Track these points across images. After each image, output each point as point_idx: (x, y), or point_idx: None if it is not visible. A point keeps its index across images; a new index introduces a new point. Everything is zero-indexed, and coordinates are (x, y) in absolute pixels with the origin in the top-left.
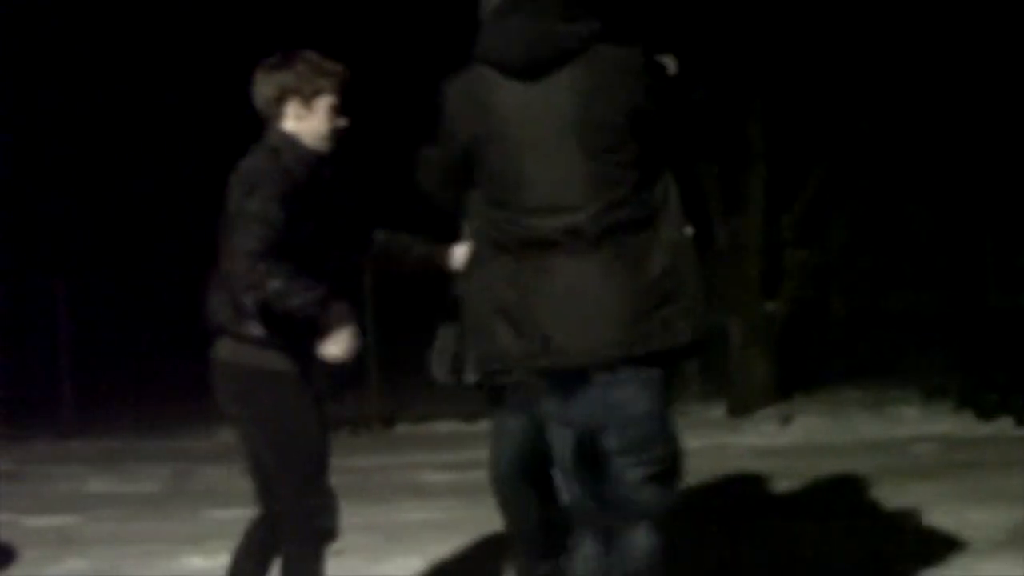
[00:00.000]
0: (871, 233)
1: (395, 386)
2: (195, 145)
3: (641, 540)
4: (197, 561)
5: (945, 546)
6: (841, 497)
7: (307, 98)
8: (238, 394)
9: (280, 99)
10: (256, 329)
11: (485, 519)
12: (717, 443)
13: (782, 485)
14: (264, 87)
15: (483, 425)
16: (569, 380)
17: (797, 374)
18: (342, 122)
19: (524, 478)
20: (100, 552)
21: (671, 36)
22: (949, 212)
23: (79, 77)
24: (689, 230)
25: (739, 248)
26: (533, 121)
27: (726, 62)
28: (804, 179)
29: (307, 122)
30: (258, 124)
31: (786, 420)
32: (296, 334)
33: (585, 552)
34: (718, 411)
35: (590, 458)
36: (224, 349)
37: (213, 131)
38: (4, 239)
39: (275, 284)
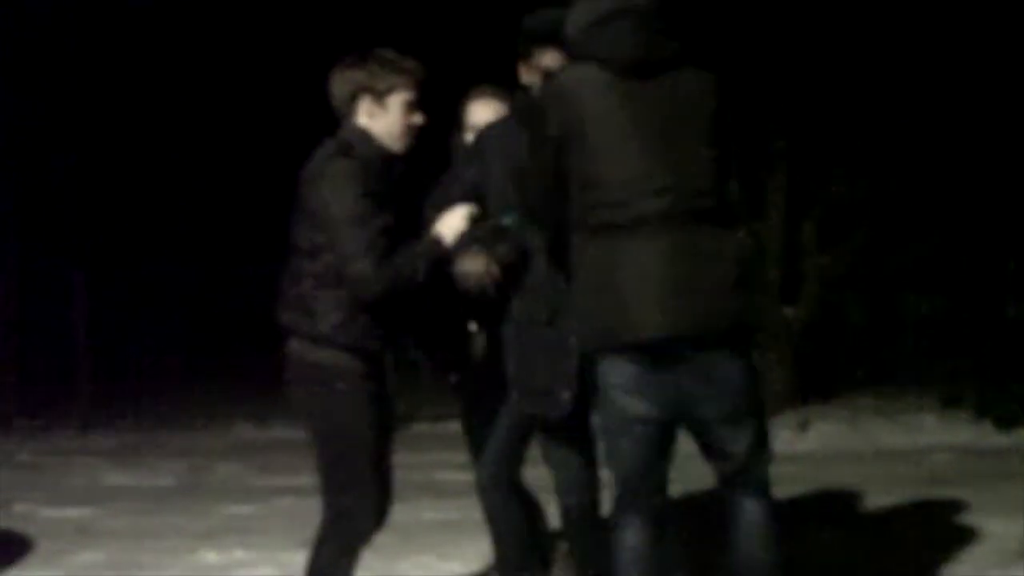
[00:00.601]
0: (891, 240)
1: (412, 385)
2: (215, 138)
3: (756, 509)
4: (212, 556)
5: (960, 556)
6: (857, 505)
7: (380, 95)
8: (298, 390)
9: (353, 97)
10: (324, 327)
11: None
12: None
13: (798, 491)
14: (338, 85)
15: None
16: (671, 355)
17: (815, 380)
18: (418, 119)
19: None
20: (116, 545)
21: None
22: (969, 220)
23: (102, 69)
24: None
25: (758, 253)
26: (637, 112)
27: (748, 68)
28: (824, 185)
29: (380, 120)
30: (280, 118)
31: (803, 426)
32: (370, 334)
33: (630, 542)
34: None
35: (668, 442)
36: (292, 346)
37: (233, 124)
38: (23, 231)
39: (387, 275)
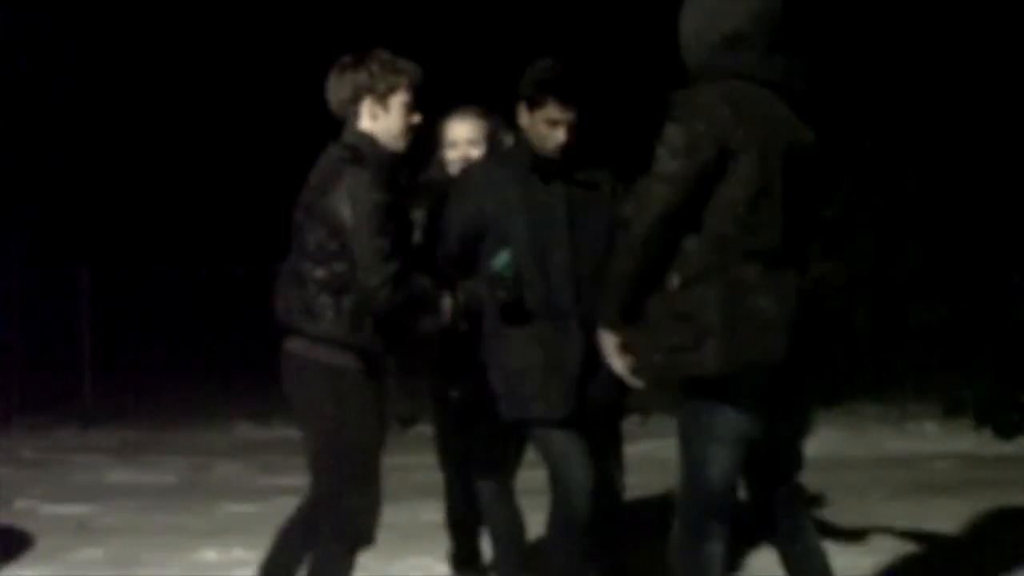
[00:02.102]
0: (894, 247)
1: (413, 386)
2: (221, 139)
3: (814, 532)
4: (211, 555)
5: (961, 563)
6: (860, 511)
7: (382, 96)
8: (300, 388)
9: (355, 99)
10: (328, 328)
11: None
12: None
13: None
14: (338, 88)
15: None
16: (775, 379)
17: (819, 387)
18: (416, 119)
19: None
20: (116, 542)
21: None
22: (972, 228)
23: (111, 70)
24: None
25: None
26: (798, 141)
27: None
28: (831, 191)
29: (382, 121)
30: (281, 119)
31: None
32: (370, 334)
33: (719, 550)
34: None
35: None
36: (294, 346)
37: (238, 124)
38: (28, 228)
39: (401, 294)
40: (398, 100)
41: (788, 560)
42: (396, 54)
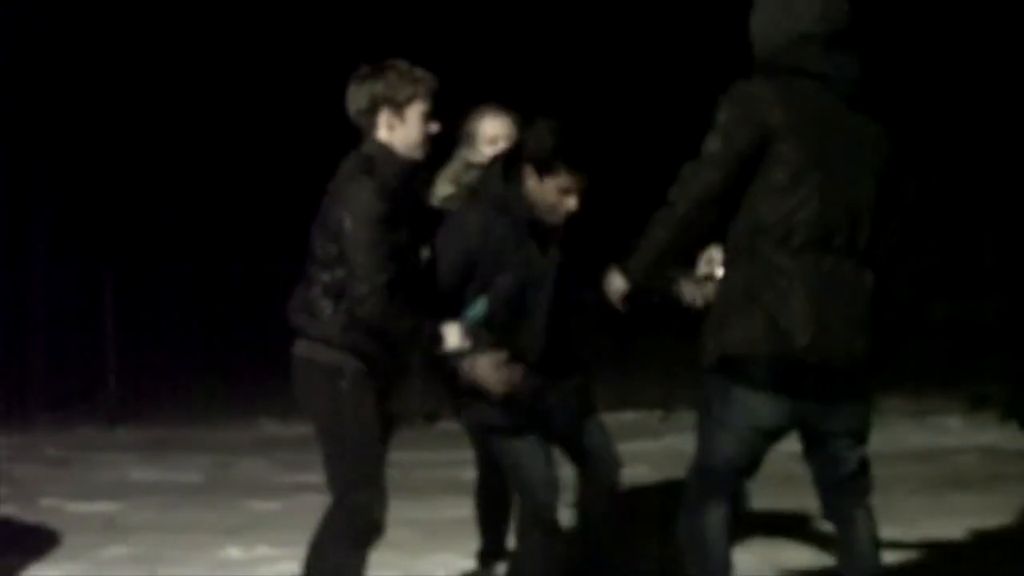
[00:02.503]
0: (917, 240)
1: (436, 383)
2: (245, 138)
3: (865, 525)
4: (236, 552)
5: (984, 557)
6: (882, 505)
7: (399, 106)
8: (303, 388)
9: (372, 109)
10: (327, 329)
11: None
12: (784, 447)
13: None
14: (356, 98)
15: None
16: (808, 372)
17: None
18: (435, 127)
19: None
20: (141, 540)
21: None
22: (997, 221)
23: (134, 66)
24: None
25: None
26: (841, 138)
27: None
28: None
29: (399, 131)
30: (312, 119)
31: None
32: (364, 336)
33: (718, 521)
34: None
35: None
36: (299, 347)
37: (264, 124)
38: (52, 227)
39: (389, 312)
40: (415, 110)
41: (839, 551)
42: (413, 63)
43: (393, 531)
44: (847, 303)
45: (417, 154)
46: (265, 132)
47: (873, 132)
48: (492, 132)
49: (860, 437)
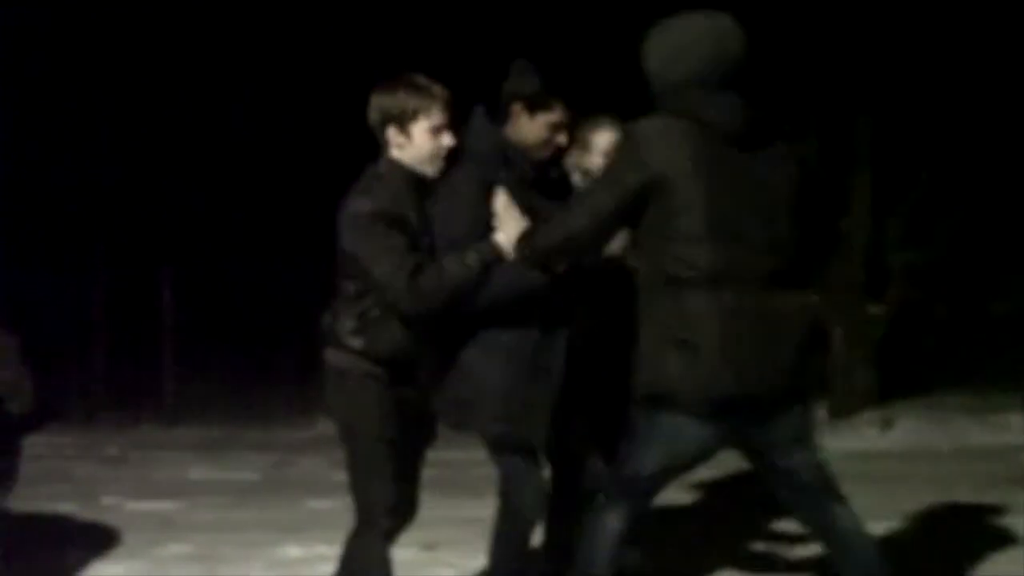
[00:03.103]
0: (977, 236)
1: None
2: (310, 137)
3: (846, 508)
4: (294, 551)
5: None
6: (941, 503)
7: (403, 123)
8: (326, 392)
9: (381, 125)
10: (341, 333)
11: None
12: (817, 445)
13: (882, 489)
14: (371, 113)
15: None
16: (736, 404)
17: (900, 378)
18: (447, 140)
19: None
20: (200, 538)
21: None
22: None
23: (185, 70)
24: (814, 299)
25: (844, 250)
26: (735, 178)
27: (835, 63)
28: (911, 180)
29: (408, 148)
30: (356, 120)
31: (887, 424)
32: (371, 340)
33: (619, 522)
34: (819, 413)
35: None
36: (327, 355)
37: (327, 123)
38: (112, 227)
39: (428, 283)
40: (421, 126)
41: (835, 557)
42: (431, 75)
43: (448, 529)
44: (770, 336)
45: (427, 169)
46: (328, 131)
47: (774, 167)
48: (607, 143)
49: (803, 442)
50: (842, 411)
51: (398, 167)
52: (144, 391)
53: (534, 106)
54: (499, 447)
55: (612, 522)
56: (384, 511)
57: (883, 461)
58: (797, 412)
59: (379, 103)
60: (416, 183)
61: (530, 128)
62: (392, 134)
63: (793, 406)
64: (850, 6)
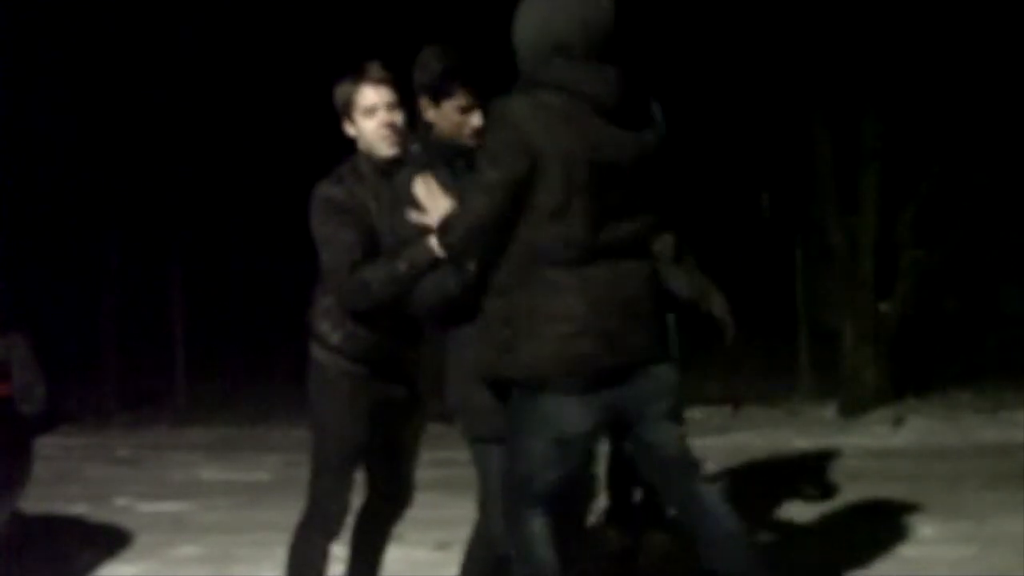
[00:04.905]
0: (987, 233)
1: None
2: (319, 136)
3: (711, 493)
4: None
5: None
6: (953, 500)
7: (346, 112)
8: (308, 387)
9: (342, 115)
10: (318, 329)
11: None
12: (828, 444)
13: (893, 487)
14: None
15: None
16: (608, 376)
17: (910, 375)
18: (387, 118)
19: None
20: (213, 539)
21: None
22: None
23: (195, 69)
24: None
25: (853, 247)
26: (610, 149)
27: (843, 60)
28: (920, 177)
29: (360, 137)
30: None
31: (898, 422)
32: (354, 341)
33: (541, 522)
34: (829, 411)
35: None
36: (311, 348)
37: (335, 126)
38: (122, 228)
39: (365, 277)
40: (359, 111)
41: (695, 537)
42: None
43: (458, 529)
44: (632, 306)
45: (382, 151)
46: (341, 131)
47: (640, 139)
48: None
49: (674, 418)
50: (853, 409)
51: (362, 156)
52: (155, 392)
53: (436, 94)
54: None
55: (535, 533)
56: (335, 511)
57: (893, 458)
58: (667, 382)
59: (335, 96)
60: (384, 171)
61: (439, 116)
62: (347, 126)
63: (662, 376)
64: (858, 4)
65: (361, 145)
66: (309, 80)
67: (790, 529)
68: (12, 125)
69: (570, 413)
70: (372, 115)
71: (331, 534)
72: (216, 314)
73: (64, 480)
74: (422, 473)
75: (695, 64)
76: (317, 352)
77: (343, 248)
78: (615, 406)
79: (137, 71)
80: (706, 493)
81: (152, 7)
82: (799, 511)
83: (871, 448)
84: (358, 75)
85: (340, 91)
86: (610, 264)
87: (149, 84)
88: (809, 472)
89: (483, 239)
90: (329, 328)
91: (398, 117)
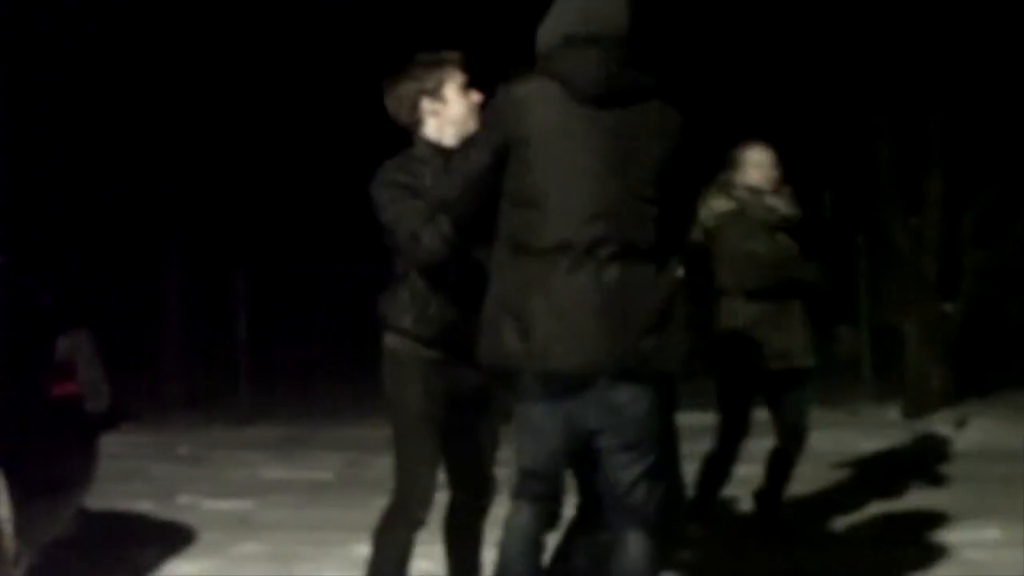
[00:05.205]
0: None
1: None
2: (378, 139)
3: (635, 545)
4: (367, 550)
5: None
6: (1015, 504)
7: (435, 91)
8: (382, 377)
9: (414, 106)
10: (399, 320)
11: None
12: (891, 445)
13: (956, 489)
14: (394, 104)
15: None
16: (570, 383)
17: (973, 377)
18: (475, 97)
19: None
20: (275, 537)
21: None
22: None
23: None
24: (681, 271)
25: (916, 248)
26: (588, 139)
27: (908, 61)
28: (984, 178)
29: (444, 113)
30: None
31: (961, 423)
32: (416, 320)
33: (521, 523)
34: (893, 413)
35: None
36: (384, 340)
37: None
38: (187, 228)
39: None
40: (451, 88)
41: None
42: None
43: None
44: (606, 310)
45: (471, 126)
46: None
47: (641, 130)
48: (758, 157)
49: (637, 452)
50: (916, 410)
51: (422, 142)
52: (218, 391)
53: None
54: None
55: (522, 522)
56: (419, 498)
57: (956, 460)
58: (633, 413)
59: (402, 91)
60: (445, 155)
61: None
62: (427, 105)
63: (629, 402)
64: (923, 10)
65: (428, 130)
66: (370, 89)
67: (852, 530)
68: (79, 129)
69: (541, 413)
70: (465, 94)
71: (416, 523)
72: (279, 314)
73: (128, 478)
74: (503, 472)
75: (762, 64)
76: (390, 340)
77: (410, 219)
78: (576, 419)
79: (205, 74)
80: (633, 544)
81: (217, 14)
82: (862, 513)
83: (934, 450)
84: (451, 58)
85: (424, 75)
86: (591, 264)
87: (218, 87)
88: (873, 474)
89: (474, 197)
90: (398, 311)
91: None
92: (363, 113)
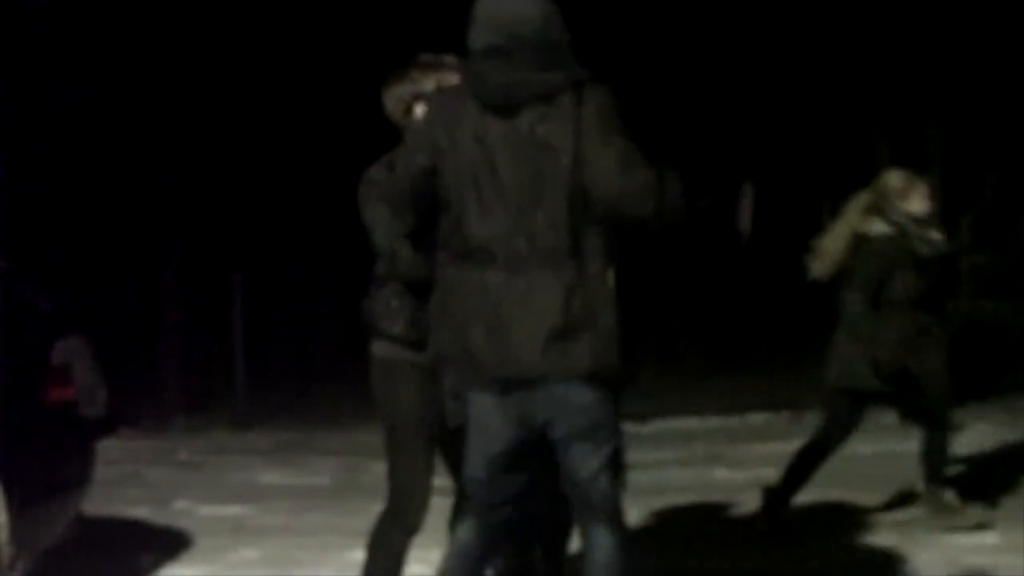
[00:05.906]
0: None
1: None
2: (369, 144)
3: (604, 537)
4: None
5: None
6: (1014, 506)
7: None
8: (372, 385)
9: (408, 109)
10: (386, 326)
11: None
12: (888, 449)
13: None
14: (391, 104)
15: (654, 426)
16: (517, 380)
17: (971, 381)
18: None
19: None
20: (271, 542)
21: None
22: None
23: (261, 78)
24: (612, 276)
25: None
26: (499, 151)
27: (905, 72)
28: (982, 183)
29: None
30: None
31: (959, 428)
32: (406, 324)
33: (463, 538)
34: (890, 417)
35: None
36: (371, 348)
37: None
38: (184, 234)
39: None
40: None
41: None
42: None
43: None
44: (520, 314)
45: None
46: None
47: (560, 122)
48: (925, 189)
49: (593, 442)
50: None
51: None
52: (216, 396)
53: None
54: None
55: (463, 535)
56: (414, 505)
57: (954, 465)
58: (575, 404)
59: (399, 93)
60: None
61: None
62: (421, 109)
63: (567, 395)
64: (919, 17)
65: None
66: (368, 91)
67: (852, 531)
68: (78, 133)
69: (489, 412)
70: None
71: (410, 530)
72: (276, 319)
73: (125, 483)
74: None
75: (761, 69)
76: (379, 347)
77: (385, 223)
78: (524, 416)
79: (200, 78)
80: (598, 540)
81: (216, 17)
82: (862, 514)
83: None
84: (449, 64)
85: (421, 78)
86: (512, 271)
87: (212, 91)
88: (871, 478)
89: (410, 200)
90: (389, 318)
91: None
92: (361, 116)
